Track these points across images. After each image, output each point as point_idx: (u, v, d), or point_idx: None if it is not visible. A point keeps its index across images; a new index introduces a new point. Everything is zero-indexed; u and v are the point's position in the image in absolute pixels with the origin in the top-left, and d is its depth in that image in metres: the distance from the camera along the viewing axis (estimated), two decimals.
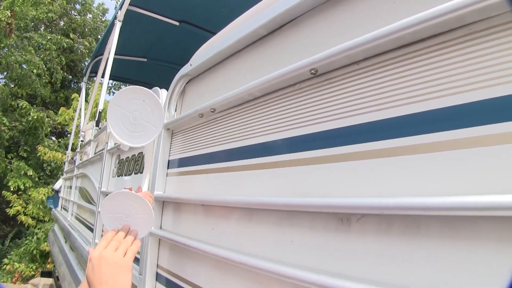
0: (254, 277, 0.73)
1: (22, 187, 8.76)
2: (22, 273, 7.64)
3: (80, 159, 3.64)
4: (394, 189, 0.50)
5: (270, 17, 0.78)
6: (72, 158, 4.45)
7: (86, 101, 5.80)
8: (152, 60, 4.38)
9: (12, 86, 10.40)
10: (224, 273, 0.83)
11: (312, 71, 0.66)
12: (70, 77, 13.26)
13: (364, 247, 0.53)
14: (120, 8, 3.00)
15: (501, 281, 0.37)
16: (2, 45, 8.73)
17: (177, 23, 3.48)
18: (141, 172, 1.47)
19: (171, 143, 1.22)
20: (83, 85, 5.47)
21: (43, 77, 10.46)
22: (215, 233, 0.89)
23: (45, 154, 8.79)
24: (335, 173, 0.59)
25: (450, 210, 0.41)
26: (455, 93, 0.45)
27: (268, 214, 0.73)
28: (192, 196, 1.01)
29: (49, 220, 8.45)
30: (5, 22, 8.11)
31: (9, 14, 8.12)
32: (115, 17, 3.10)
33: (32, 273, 7.68)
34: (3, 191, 8.92)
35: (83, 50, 12.61)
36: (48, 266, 7.71)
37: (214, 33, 1.08)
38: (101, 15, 13.55)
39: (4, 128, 9.59)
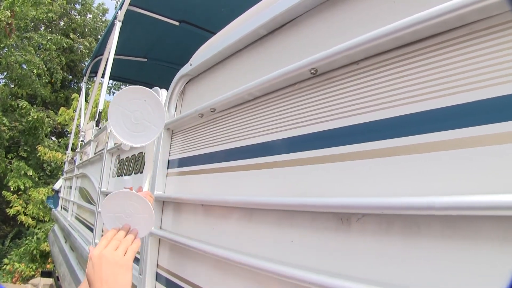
0: (254, 277, 0.73)
1: (22, 187, 8.76)
2: (22, 273, 7.64)
3: (80, 159, 3.64)
4: (393, 188, 0.50)
5: (270, 17, 0.78)
6: (72, 158, 4.45)
7: (86, 101, 5.80)
8: (152, 60, 4.38)
9: (12, 86, 10.40)
10: (224, 273, 0.83)
11: (312, 71, 0.66)
12: (70, 77, 13.26)
13: (364, 247, 0.53)
14: (120, 8, 3.00)
15: (502, 281, 0.37)
16: (2, 45, 8.73)
17: (177, 23, 3.48)
18: (141, 172, 1.47)
19: (171, 143, 1.22)
20: (83, 85, 5.48)
21: (43, 77, 10.45)
22: (215, 233, 0.89)
23: (45, 154, 8.78)
24: (335, 173, 0.59)
25: (451, 210, 0.41)
26: (455, 93, 0.45)
27: (268, 214, 0.73)
28: (192, 196, 1.01)
29: (49, 220, 8.45)
30: (5, 22, 8.11)
31: (9, 14, 8.11)
32: (115, 17, 3.10)
33: (32, 273, 7.68)
34: (3, 191, 8.92)
35: (83, 50, 12.61)
36: (48, 266, 7.71)
37: (214, 33, 1.08)
38: (101, 15, 13.54)
39: (4, 128, 9.59)
